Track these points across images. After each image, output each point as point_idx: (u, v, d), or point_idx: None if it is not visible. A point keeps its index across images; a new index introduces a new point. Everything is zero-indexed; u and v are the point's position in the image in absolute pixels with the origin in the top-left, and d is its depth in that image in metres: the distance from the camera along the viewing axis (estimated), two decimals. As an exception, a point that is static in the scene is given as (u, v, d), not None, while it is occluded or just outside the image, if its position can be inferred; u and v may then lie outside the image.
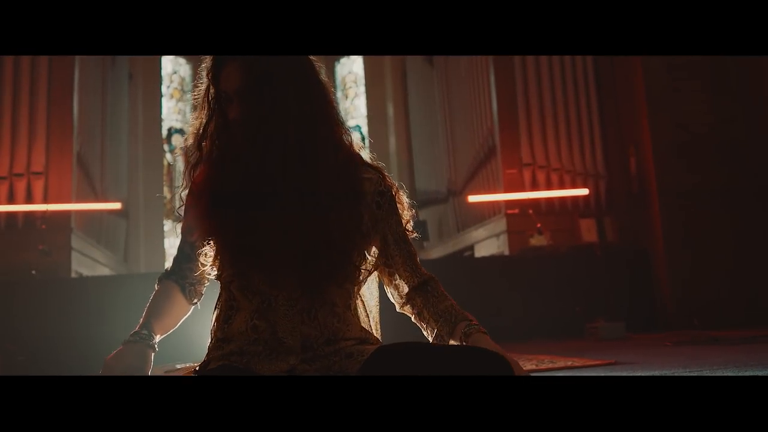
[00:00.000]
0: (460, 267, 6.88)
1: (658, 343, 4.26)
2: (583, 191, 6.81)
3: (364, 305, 1.33)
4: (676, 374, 2.54)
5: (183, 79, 11.45)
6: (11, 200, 6.21)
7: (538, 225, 6.48)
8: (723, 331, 4.72)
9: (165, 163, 10.85)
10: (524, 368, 1.22)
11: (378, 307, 1.37)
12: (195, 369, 1.23)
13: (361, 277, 1.27)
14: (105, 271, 7.57)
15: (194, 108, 1.30)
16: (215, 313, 1.28)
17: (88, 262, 6.91)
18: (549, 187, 6.86)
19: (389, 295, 1.36)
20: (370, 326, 1.32)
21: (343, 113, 1.32)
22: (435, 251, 9.25)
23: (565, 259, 6.29)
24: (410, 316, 1.34)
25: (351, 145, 1.30)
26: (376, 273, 1.33)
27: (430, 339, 1.28)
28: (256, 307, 1.20)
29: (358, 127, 11.48)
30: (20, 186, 6.24)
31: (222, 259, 1.24)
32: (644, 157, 6.40)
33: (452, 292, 1.32)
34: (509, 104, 7.05)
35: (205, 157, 1.27)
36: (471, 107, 8.01)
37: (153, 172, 10.43)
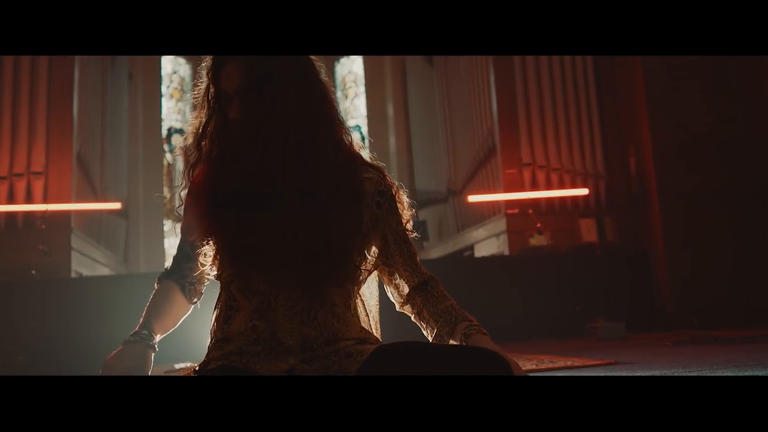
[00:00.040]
0: (460, 267, 6.88)
1: (658, 343, 4.26)
2: (583, 191, 6.81)
3: (363, 305, 1.33)
4: (675, 374, 2.54)
5: (183, 79, 11.45)
6: (11, 200, 6.21)
7: (538, 225, 6.48)
8: (723, 331, 4.72)
9: (165, 163, 10.85)
10: (524, 368, 1.22)
11: (378, 306, 1.37)
12: (195, 369, 1.23)
13: (361, 277, 1.27)
14: (105, 271, 7.56)
15: (194, 107, 1.30)
16: (215, 313, 1.28)
17: (88, 262, 6.91)
18: (549, 187, 6.85)
19: (389, 295, 1.36)
20: (370, 326, 1.32)
21: (342, 113, 1.32)
22: (435, 251, 9.25)
23: (565, 258, 6.29)
24: (410, 315, 1.34)
25: (351, 144, 1.30)
26: (376, 272, 1.33)
27: (430, 339, 1.28)
28: (256, 307, 1.20)
29: (358, 127, 11.47)
30: (20, 186, 6.24)
31: (222, 259, 1.24)
32: (644, 157, 6.40)
33: (452, 292, 1.32)
34: (509, 104, 7.05)
35: (205, 156, 1.26)
36: (471, 107, 8.01)
37: (153, 172, 10.43)
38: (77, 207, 6.57)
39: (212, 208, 1.21)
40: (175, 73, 11.41)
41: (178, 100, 11.36)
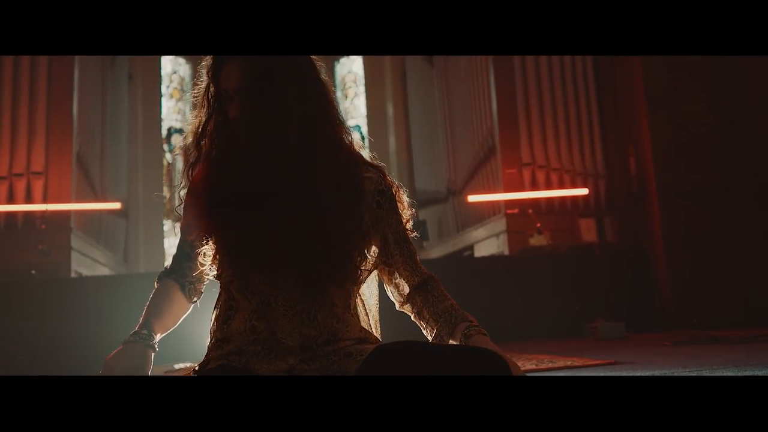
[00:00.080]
0: (460, 267, 6.88)
1: (658, 343, 4.26)
2: (583, 191, 6.81)
3: (363, 304, 1.32)
4: (675, 374, 2.54)
5: (183, 78, 11.44)
6: (11, 200, 6.21)
7: (538, 225, 6.48)
8: (723, 331, 4.72)
9: (164, 163, 10.84)
10: (523, 368, 1.22)
11: (378, 305, 1.37)
12: (194, 369, 1.23)
13: (361, 277, 1.27)
14: (105, 271, 7.56)
15: (194, 106, 1.30)
16: (215, 313, 1.28)
17: (88, 262, 6.91)
18: (549, 186, 6.85)
19: (389, 294, 1.36)
20: (370, 325, 1.32)
21: (342, 113, 1.32)
22: (435, 251, 9.25)
23: (565, 258, 6.29)
24: (410, 314, 1.34)
25: (351, 144, 1.30)
26: (376, 271, 1.33)
27: (430, 339, 1.28)
28: (255, 307, 1.20)
29: (357, 127, 11.47)
30: (20, 186, 6.24)
31: (221, 259, 1.24)
32: (644, 157, 6.40)
33: (452, 292, 1.32)
34: (509, 104, 7.05)
35: (204, 155, 1.26)
36: (471, 107, 8.01)
37: (152, 171, 10.42)
38: (77, 207, 6.57)
39: (212, 208, 1.21)
40: (174, 73, 11.40)
41: (178, 100, 11.36)
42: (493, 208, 7.29)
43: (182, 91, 11.34)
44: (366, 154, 1.36)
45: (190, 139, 1.29)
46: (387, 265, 1.31)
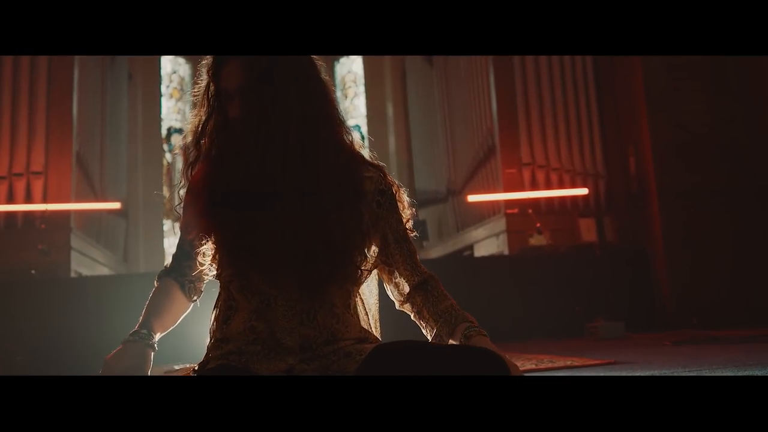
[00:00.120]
0: (460, 267, 6.87)
1: (658, 343, 4.26)
2: (583, 191, 6.81)
3: (363, 304, 1.32)
4: (675, 374, 2.54)
5: (182, 78, 11.44)
6: (11, 200, 6.21)
7: (538, 224, 6.48)
8: (723, 331, 4.72)
9: (164, 162, 10.84)
10: (523, 368, 1.22)
11: (377, 305, 1.36)
12: (194, 369, 1.23)
13: (361, 277, 1.27)
14: (104, 271, 7.56)
15: (194, 105, 1.30)
16: (214, 313, 1.27)
17: (88, 262, 6.91)
18: (548, 186, 6.85)
19: (389, 293, 1.36)
20: (370, 325, 1.32)
21: (342, 113, 1.32)
22: (434, 251, 9.25)
23: (565, 258, 6.29)
24: (410, 314, 1.34)
25: (352, 144, 1.30)
26: (376, 271, 1.33)
27: (430, 339, 1.28)
28: (255, 307, 1.20)
29: (357, 127, 11.46)
30: (19, 186, 6.24)
31: (221, 258, 1.24)
32: (644, 157, 6.40)
33: (452, 292, 1.32)
34: (509, 104, 7.05)
35: (204, 154, 1.26)
36: (470, 107, 8.00)
37: (152, 171, 10.42)
38: (77, 207, 6.57)
39: (212, 207, 1.21)
40: (174, 72, 11.40)
41: (178, 100, 11.36)
42: (492, 208, 7.29)
43: (182, 90, 11.33)
44: (366, 153, 1.36)
45: (189, 138, 1.29)
46: (387, 265, 1.31)
